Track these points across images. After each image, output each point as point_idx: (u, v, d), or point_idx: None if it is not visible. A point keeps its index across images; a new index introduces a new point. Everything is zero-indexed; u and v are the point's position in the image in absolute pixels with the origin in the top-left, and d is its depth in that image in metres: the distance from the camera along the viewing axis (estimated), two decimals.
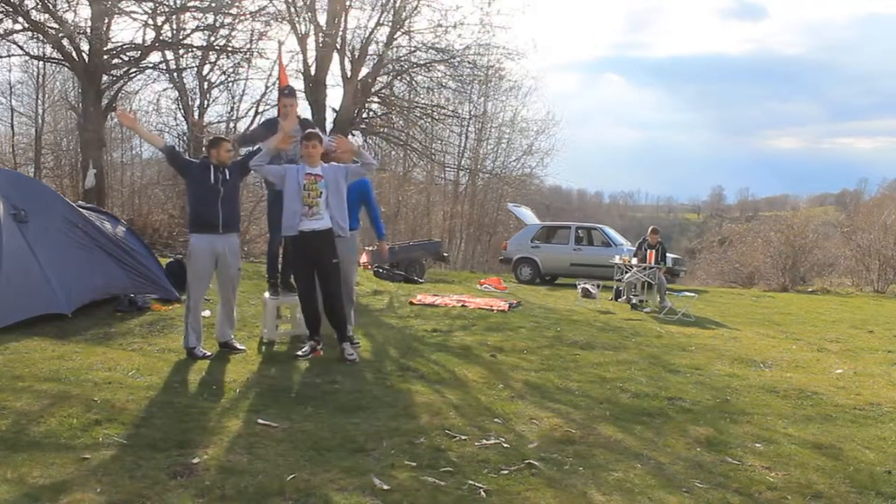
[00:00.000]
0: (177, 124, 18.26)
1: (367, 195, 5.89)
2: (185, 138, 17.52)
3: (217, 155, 5.21)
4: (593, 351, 6.35)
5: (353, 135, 14.57)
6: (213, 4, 12.48)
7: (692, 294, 10.32)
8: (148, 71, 15.13)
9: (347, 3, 12.50)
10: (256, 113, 18.26)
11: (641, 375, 5.43)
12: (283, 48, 7.35)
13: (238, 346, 5.48)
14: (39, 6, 11.92)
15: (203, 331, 6.04)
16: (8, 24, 11.97)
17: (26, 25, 11.95)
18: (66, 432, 3.37)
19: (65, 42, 12.37)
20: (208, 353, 5.18)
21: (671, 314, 9.42)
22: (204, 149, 5.56)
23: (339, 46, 12.81)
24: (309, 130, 5.37)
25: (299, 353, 5.32)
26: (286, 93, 5.98)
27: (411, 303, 8.69)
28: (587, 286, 11.48)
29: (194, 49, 14.56)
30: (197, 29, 13.56)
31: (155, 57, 14.49)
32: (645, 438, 3.87)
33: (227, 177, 5.21)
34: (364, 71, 13.18)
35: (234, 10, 12.59)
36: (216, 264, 5.23)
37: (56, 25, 12.03)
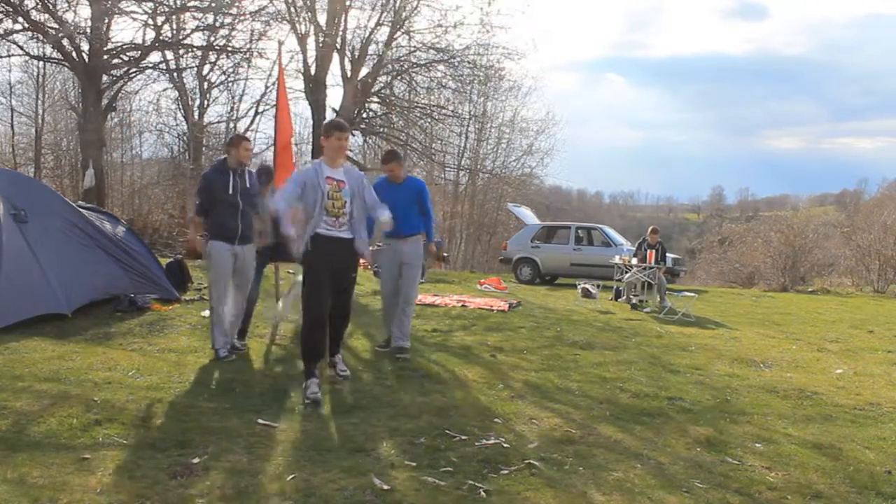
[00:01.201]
0: (177, 124, 18.28)
1: (423, 198, 5.57)
2: (185, 138, 17.53)
3: (237, 155, 5.14)
4: (593, 351, 6.35)
5: (353, 135, 14.58)
6: (213, 4, 12.49)
7: (692, 294, 10.32)
8: (148, 71, 15.16)
9: (347, 3, 12.50)
10: (256, 113, 18.29)
11: (641, 375, 5.43)
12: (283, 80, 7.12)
13: (239, 344, 5.49)
14: (39, 6, 11.93)
15: (200, 330, 6.07)
16: (8, 24, 11.99)
17: (26, 25, 11.96)
18: (66, 432, 3.37)
19: (65, 42, 12.38)
20: (232, 357, 5.16)
21: (671, 314, 9.42)
22: (224, 148, 5.42)
23: (339, 46, 12.81)
24: (338, 120, 4.96)
25: (308, 396, 4.25)
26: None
27: None
28: (587, 286, 11.48)
29: (194, 49, 14.58)
30: (197, 29, 13.59)
31: (155, 57, 14.52)
32: (645, 438, 3.87)
33: (247, 185, 5.17)
34: (364, 71, 13.19)
35: (234, 10, 12.61)
36: (234, 264, 5.21)
37: (56, 25, 12.03)
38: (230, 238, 5.11)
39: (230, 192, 5.08)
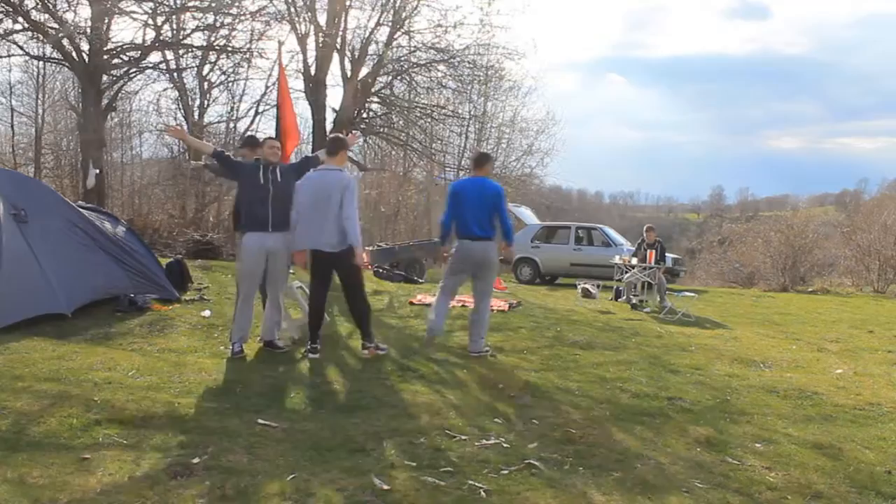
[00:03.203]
0: (177, 124, 18.25)
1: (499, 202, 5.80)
2: None
3: (263, 154, 5.36)
4: (593, 351, 6.35)
5: (354, 134, 14.57)
6: (213, 4, 12.48)
7: (692, 294, 10.32)
8: (148, 71, 15.15)
9: (347, 3, 12.50)
10: (256, 113, 18.28)
11: (641, 375, 5.43)
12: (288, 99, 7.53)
13: (280, 344, 5.52)
14: (39, 6, 11.92)
15: (202, 330, 6.07)
16: (8, 24, 11.98)
17: (26, 25, 11.95)
18: (66, 432, 3.37)
19: (65, 42, 12.37)
20: (242, 354, 5.24)
21: (671, 314, 9.42)
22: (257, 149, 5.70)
23: (339, 46, 12.81)
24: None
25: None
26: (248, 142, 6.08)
27: (411, 303, 8.69)
28: (587, 286, 11.48)
29: (194, 49, 14.57)
30: (197, 29, 13.58)
31: (155, 57, 14.51)
32: (645, 438, 3.87)
33: (279, 177, 5.29)
34: (364, 71, 13.18)
35: (234, 10, 12.60)
36: (266, 261, 5.30)
37: (56, 25, 12.03)
38: (261, 224, 5.20)
39: (261, 181, 5.23)
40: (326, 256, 5.24)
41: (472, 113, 21.37)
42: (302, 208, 5.25)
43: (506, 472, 3.22)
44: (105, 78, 13.35)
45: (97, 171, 12.86)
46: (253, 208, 5.24)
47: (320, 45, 12.59)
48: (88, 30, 12.21)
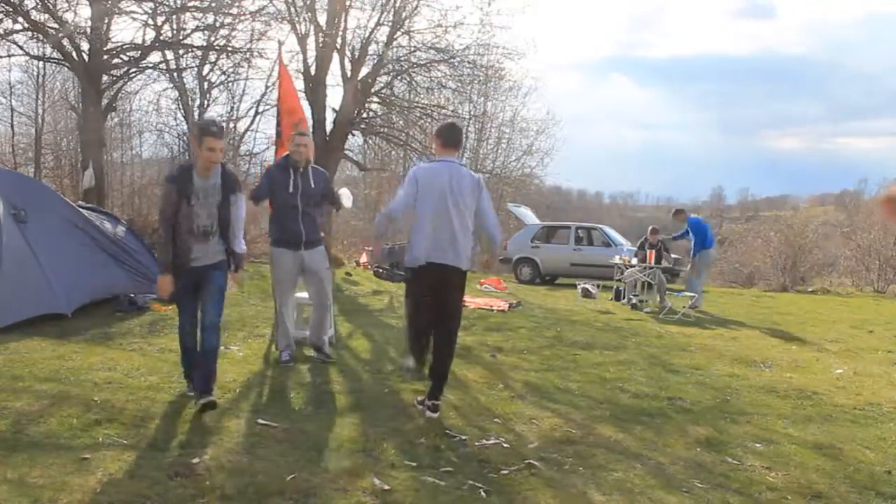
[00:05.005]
0: (177, 124, 18.23)
1: None
2: (185, 138, 17.50)
3: (295, 151, 4.83)
4: (593, 351, 6.35)
5: (354, 135, 14.58)
6: (213, 4, 12.47)
7: (692, 294, 10.32)
8: (148, 71, 15.10)
9: (347, 3, 12.51)
10: (256, 113, 18.26)
11: (641, 375, 5.43)
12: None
13: (328, 352, 5.29)
14: (39, 6, 11.91)
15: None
16: (8, 24, 11.96)
17: (26, 25, 11.94)
18: (66, 432, 3.37)
19: (65, 42, 12.36)
20: (292, 363, 5.06)
21: (671, 314, 9.42)
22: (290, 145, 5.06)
23: (339, 46, 12.82)
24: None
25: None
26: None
27: None
28: (587, 286, 11.48)
29: (194, 49, 14.54)
30: (197, 29, 13.55)
31: (155, 57, 14.46)
32: (645, 438, 3.87)
33: (312, 184, 4.87)
34: (364, 71, 13.19)
35: (234, 10, 12.58)
36: (302, 264, 4.98)
37: (56, 25, 12.02)
38: (294, 243, 4.90)
39: (290, 190, 4.81)
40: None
41: (472, 113, 21.40)
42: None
43: (506, 472, 3.22)
44: (105, 78, 13.33)
45: (91, 171, 12.82)
46: (283, 222, 4.88)
47: (320, 45, 12.60)
48: (88, 30, 12.20)
